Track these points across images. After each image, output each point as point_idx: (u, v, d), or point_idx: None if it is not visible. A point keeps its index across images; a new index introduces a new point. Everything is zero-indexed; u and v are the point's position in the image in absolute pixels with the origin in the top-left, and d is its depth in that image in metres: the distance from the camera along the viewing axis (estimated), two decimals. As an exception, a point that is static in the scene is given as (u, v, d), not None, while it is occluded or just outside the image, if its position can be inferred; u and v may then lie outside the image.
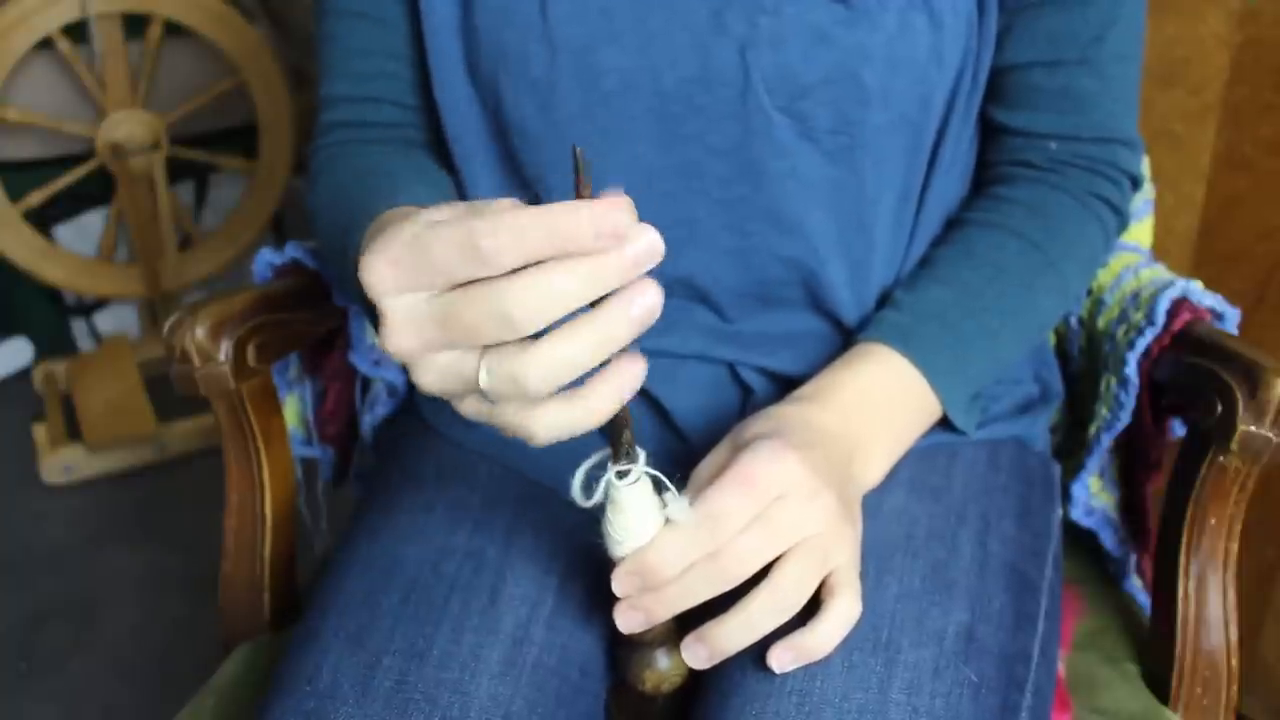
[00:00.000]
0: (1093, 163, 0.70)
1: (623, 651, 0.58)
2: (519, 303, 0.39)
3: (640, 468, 0.50)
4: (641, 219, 0.65)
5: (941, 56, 0.63)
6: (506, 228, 0.39)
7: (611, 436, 0.50)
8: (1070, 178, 0.70)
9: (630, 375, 0.43)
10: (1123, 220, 0.73)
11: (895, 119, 0.64)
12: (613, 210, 0.39)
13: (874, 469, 0.62)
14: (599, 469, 0.51)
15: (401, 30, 0.70)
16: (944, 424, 0.67)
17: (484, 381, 0.42)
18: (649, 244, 0.40)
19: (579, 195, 0.41)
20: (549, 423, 0.43)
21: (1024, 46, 0.68)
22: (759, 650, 0.57)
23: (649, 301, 0.41)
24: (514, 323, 0.39)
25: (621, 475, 0.50)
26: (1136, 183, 0.73)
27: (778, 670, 0.55)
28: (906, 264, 0.70)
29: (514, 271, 0.39)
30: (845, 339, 0.69)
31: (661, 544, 0.50)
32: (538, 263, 0.39)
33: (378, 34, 0.70)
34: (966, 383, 0.66)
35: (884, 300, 0.69)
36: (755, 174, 0.64)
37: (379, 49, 0.71)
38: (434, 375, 0.43)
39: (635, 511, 0.50)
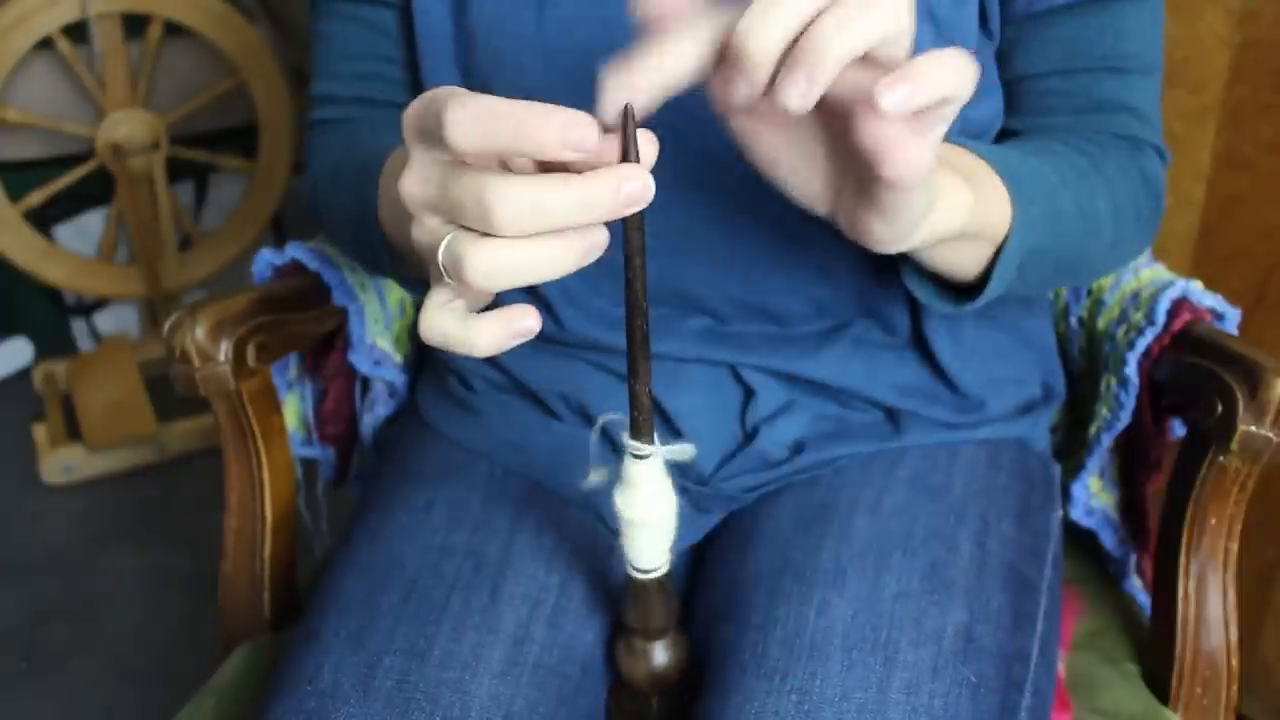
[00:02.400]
0: (1126, 139, 0.67)
1: (619, 646, 0.58)
2: (504, 198, 0.39)
3: (663, 448, 0.50)
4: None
5: None
6: (478, 104, 0.40)
7: (631, 411, 0.50)
8: (1110, 142, 0.67)
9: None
10: (1159, 199, 0.68)
11: None
12: (582, 126, 0.39)
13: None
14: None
15: (393, 35, 0.70)
16: (949, 411, 0.67)
17: (443, 250, 0.42)
18: (643, 186, 0.41)
19: (624, 149, 0.42)
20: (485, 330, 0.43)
21: (1036, 57, 0.66)
22: (757, 648, 0.57)
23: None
24: (492, 215, 0.40)
25: (638, 454, 0.50)
26: (1159, 194, 0.69)
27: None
28: None
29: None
30: (845, 336, 0.68)
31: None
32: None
33: (371, 37, 0.71)
34: (1029, 202, 0.58)
35: (889, 306, 0.69)
36: (756, 185, 0.64)
37: (372, 52, 0.71)
38: (424, 234, 0.44)
39: (648, 487, 0.51)
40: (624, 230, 0.45)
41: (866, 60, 0.42)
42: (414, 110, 0.43)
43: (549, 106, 0.40)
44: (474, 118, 0.40)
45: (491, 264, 0.41)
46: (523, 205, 0.39)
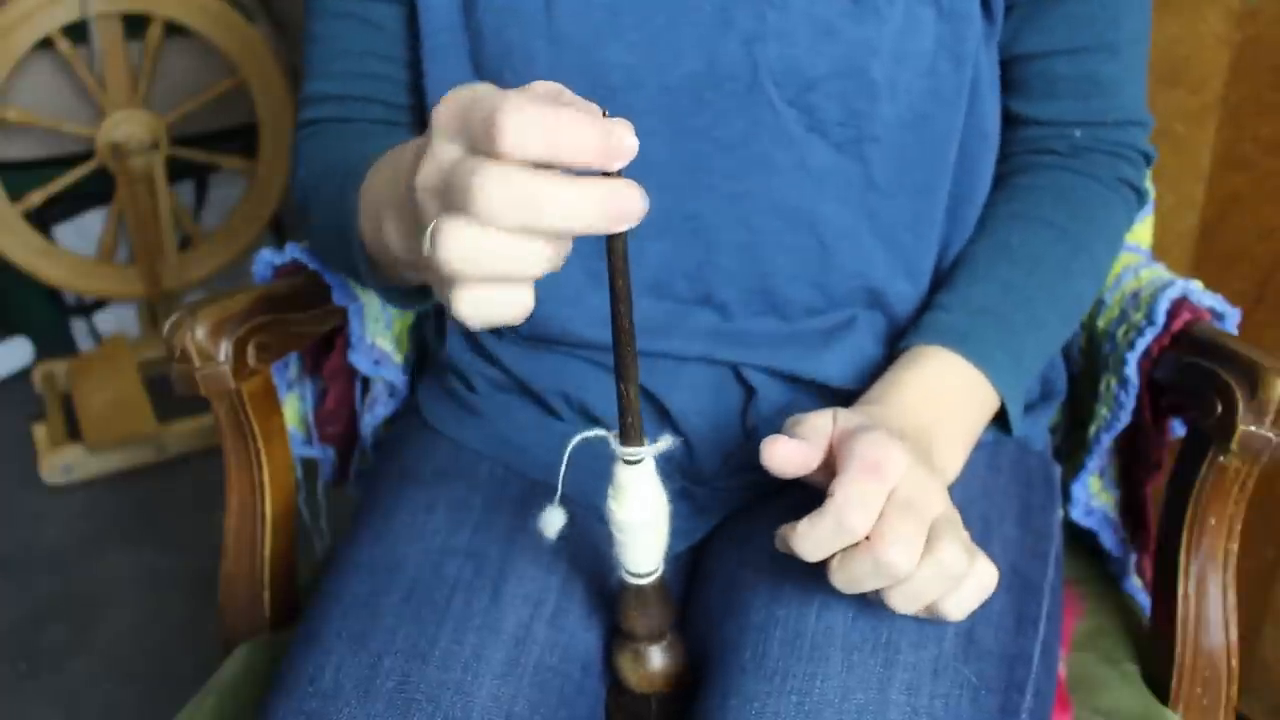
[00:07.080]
0: (1116, 146, 0.71)
1: (616, 651, 0.58)
2: (484, 186, 0.39)
3: (651, 448, 0.51)
4: (647, 214, 0.65)
5: (952, 49, 0.63)
6: (538, 109, 0.39)
7: (621, 415, 0.50)
8: (1095, 163, 0.71)
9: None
10: (1143, 198, 0.74)
11: (903, 111, 0.64)
12: (626, 136, 0.40)
13: (952, 459, 0.61)
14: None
15: (391, 31, 0.70)
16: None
17: (430, 228, 0.42)
18: (634, 201, 0.41)
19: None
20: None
21: (1043, 35, 0.68)
22: (757, 649, 0.57)
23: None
24: (473, 202, 0.40)
25: (629, 459, 0.50)
26: (1149, 160, 0.74)
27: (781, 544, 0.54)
28: (944, 261, 0.70)
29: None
30: (850, 335, 0.68)
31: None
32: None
33: (367, 35, 0.70)
34: (1022, 375, 0.66)
35: (894, 296, 0.69)
36: (763, 167, 0.64)
37: (369, 50, 0.71)
38: (426, 216, 0.44)
39: (641, 491, 0.51)
40: (608, 253, 0.45)
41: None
42: (452, 108, 0.43)
43: (602, 120, 0.40)
44: (533, 121, 0.39)
45: (469, 246, 0.40)
46: (515, 193, 0.39)
